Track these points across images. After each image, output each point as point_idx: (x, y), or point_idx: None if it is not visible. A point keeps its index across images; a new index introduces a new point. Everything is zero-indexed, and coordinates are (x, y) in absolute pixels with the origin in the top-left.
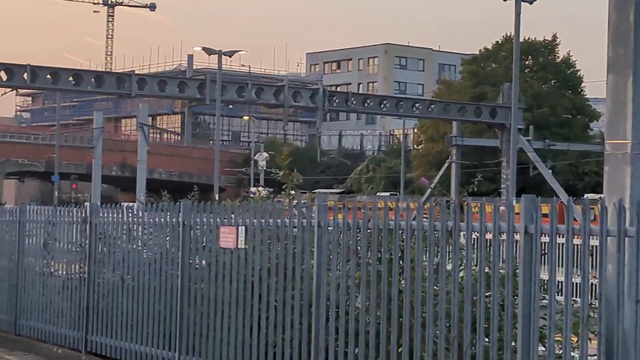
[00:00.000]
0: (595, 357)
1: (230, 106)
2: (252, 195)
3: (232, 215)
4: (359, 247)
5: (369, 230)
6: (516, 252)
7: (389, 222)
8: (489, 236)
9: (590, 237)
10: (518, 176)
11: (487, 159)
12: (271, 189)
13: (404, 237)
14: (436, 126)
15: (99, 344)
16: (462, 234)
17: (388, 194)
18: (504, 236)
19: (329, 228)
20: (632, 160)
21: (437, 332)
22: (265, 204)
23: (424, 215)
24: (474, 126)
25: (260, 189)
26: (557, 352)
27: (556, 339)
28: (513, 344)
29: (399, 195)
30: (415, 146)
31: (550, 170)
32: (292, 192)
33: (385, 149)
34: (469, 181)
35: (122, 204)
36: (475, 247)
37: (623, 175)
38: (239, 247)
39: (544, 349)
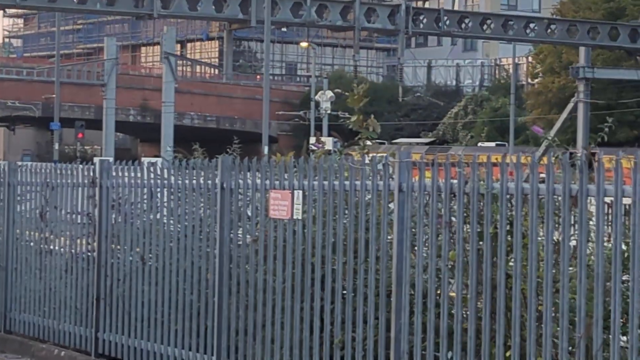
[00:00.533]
0: None
1: (284, 29)
2: (318, 148)
3: (286, 176)
4: (453, 218)
5: (466, 195)
6: None
7: (492, 185)
8: (627, 202)
9: None
10: None
11: (626, 96)
12: (337, 140)
13: (513, 204)
14: (558, 54)
15: (113, 344)
16: (591, 199)
17: (493, 144)
18: None
19: (414, 192)
20: None
21: (558, 330)
22: (330, 160)
23: (541, 175)
24: (608, 53)
25: (327, 138)
26: None
27: None
28: None
29: (507, 146)
30: (529, 80)
31: None
32: (368, 143)
33: (489, 84)
34: (602, 127)
35: (142, 159)
36: (609, 216)
37: None
38: (295, 217)
39: None
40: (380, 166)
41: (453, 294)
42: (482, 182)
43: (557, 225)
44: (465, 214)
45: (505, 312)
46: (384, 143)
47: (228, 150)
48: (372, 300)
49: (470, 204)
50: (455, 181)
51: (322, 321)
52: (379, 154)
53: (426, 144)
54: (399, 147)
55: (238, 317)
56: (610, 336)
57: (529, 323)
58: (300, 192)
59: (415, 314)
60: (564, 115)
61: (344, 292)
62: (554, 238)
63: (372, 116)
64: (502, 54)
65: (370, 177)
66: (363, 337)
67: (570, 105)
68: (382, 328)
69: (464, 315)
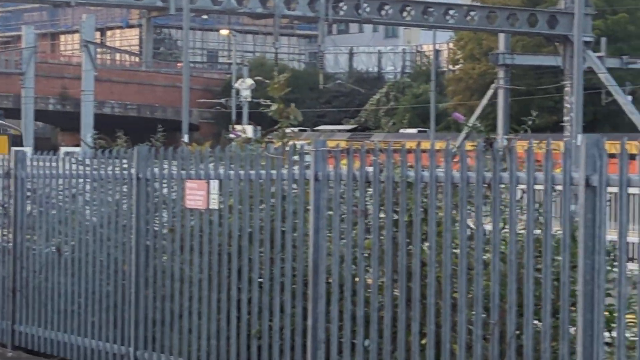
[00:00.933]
0: None
1: (205, 16)
2: (235, 137)
3: (202, 165)
4: (369, 207)
5: (381, 184)
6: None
7: (407, 173)
8: (541, 188)
9: None
10: (587, 105)
11: (545, 82)
12: (259, 128)
13: (427, 192)
14: (478, 40)
15: (30, 336)
16: (506, 187)
17: (415, 130)
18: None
19: (330, 181)
20: None
21: (473, 317)
22: (247, 149)
23: (456, 162)
24: (528, 39)
25: (245, 127)
26: (629, 338)
27: (628, 322)
28: (572, 330)
29: (429, 132)
30: (450, 67)
31: (630, 97)
32: (289, 130)
33: (410, 70)
34: (523, 113)
35: (61, 149)
36: (523, 203)
37: None
38: (211, 207)
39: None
40: (296, 156)
41: (370, 282)
42: (397, 170)
43: (471, 213)
44: (381, 203)
45: (420, 299)
46: (305, 130)
47: (151, 139)
48: (288, 290)
49: (385, 192)
50: (371, 169)
51: (239, 311)
52: (300, 142)
53: (348, 130)
54: (320, 134)
55: (155, 307)
56: (524, 322)
57: (444, 310)
58: (217, 181)
59: (331, 303)
60: (484, 101)
61: (261, 281)
62: (469, 226)
63: (293, 105)
64: (423, 41)
65: (286, 167)
66: (280, 326)
67: (490, 92)
68: (299, 317)
69: (381, 303)
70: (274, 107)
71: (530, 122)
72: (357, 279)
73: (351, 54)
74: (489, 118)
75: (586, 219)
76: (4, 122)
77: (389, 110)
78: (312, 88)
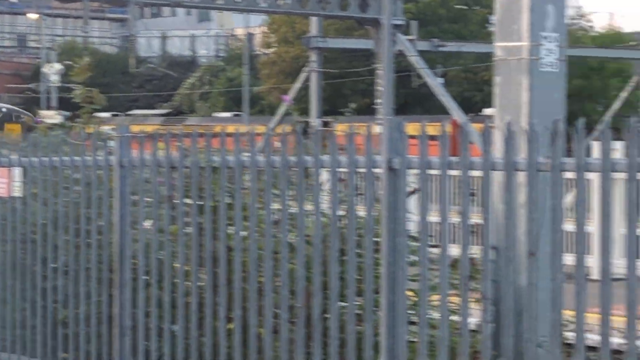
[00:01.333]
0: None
1: (14, 0)
2: (39, 123)
3: (4, 153)
4: (174, 192)
5: (186, 169)
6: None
7: (212, 158)
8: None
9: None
10: (399, 88)
11: (357, 65)
12: (67, 114)
13: (234, 177)
14: (291, 24)
15: None
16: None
17: (230, 114)
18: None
19: (135, 167)
20: (530, 69)
21: (279, 301)
22: (51, 136)
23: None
24: (340, 23)
25: (51, 112)
26: (432, 317)
27: (431, 303)
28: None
29: (244, 116)
30: (264, 50)
31: (442, 79)
32: (98, 115)
33: (224, 54)
34: (336, 96)
35: None
36: (328, 186)
37: (518, 87)
38: (14, 195)
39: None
40: (100, 142)
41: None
42: (201, 155)
43: (276, 197)
44: (186, 188)
45: (227, 284)
46: (118, 115)
47: None
48: (94, 277)
49: (191, 177)
50: (175, 155)
51: (44, 300)
52: (106, 127)
53: (162, 115)
54: (134, 118)
55: None
56: (330, 304)
57: (250, 295)
58: (19, 169)
59: (137, 289)
60: (297, 84)
61: (67, 268)
62: (274, 210)
63: (96, 90)
64: (236, 25)
65: (91, 153)
66: (86, 314)
67: (303, 75)
68: (106, 304)
69: (187, 289)
70: (77, 91)
71: (348, 114)
72: (163, 265)
73: (164, 38)
74: (303, 101)
75: (388, 202)
76: (18, 109)
77: (203, 94)
78: (124, 72)
